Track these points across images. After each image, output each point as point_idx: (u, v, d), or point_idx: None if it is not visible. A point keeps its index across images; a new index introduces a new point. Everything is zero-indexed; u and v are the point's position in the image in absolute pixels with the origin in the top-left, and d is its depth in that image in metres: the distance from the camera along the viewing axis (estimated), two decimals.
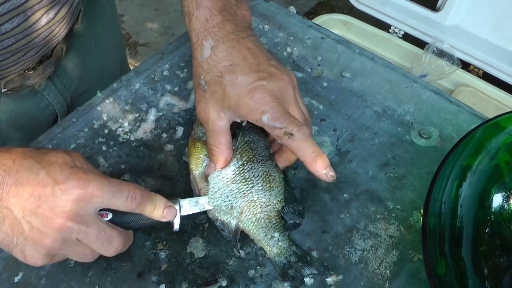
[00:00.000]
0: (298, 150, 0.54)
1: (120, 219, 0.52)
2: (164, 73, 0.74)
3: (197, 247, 0.57)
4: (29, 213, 0.46)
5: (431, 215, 0.52)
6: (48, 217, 0.46)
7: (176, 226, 0.55)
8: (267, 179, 0.58)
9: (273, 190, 0.58)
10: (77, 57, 0.82)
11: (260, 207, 0.57)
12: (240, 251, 0.57)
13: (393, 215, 0.61)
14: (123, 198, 0.49)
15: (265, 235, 0.56)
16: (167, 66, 0.75)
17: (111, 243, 0.50)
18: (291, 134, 0.52)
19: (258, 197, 0.57)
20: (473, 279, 0.53)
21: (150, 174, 0.63)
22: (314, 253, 0.57)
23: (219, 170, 0.58)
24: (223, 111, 0.56)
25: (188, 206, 0.57)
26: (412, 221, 0.60)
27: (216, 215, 0.58)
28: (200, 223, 0.59)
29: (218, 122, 0.56)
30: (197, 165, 0.60)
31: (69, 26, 0.75)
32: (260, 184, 0.58)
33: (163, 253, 0.57)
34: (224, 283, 0.55)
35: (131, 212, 0.51)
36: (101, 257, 0.52)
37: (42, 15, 0.65)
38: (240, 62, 0.55)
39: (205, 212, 0.59)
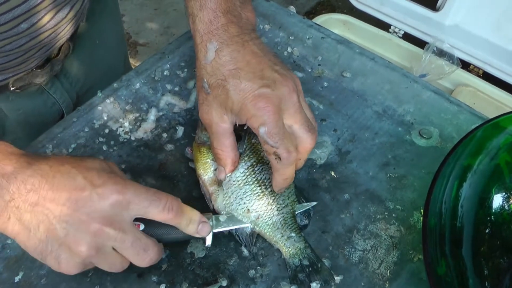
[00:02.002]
0: (276, 170, 0.55)
1: (152, 231, 0.51)
2: (165, 73, 0.74)
3: (198, 247, 0.57)
4: (65, 218, 0.46)
5: (431, 215, 0.52)
6: (84, 221, 0.46)
7: (208, 242, 0.54)
8: None
9: (285, 190, 0.58)
10: (82, 55, 0.83)
11: (277, 210, 0.57)
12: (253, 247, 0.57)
13: (393, 215, 0.61)
14: (160, 207, 0.49)
15: (282, 236, 0.56)
16: (167, 66, 0.75)
17: (146, 252, 0.49)
18: (279, 158, 0.53)
19: (274, 199, 0.57)
20: (474, 279, 0.53)
21: (150, 174, 0.63)
22: (325, 261, 0.57)
23: (229, 174, 0.58)
24: (226, 114, 0.55)
25: (222, 223, 0.56)
26: (412, 221, 0.60)
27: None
28: None
29: (221, 125, 0.56)
30: (205, 170, 0.60)
31: (77, 24, 0.76)
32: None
33: (163, 253, 0.57)
34: (224, 283, 0.55)
35: (164, 224, 0.51)
36: None
37: (55, 13, 0.66)
38: (244, 67, 0.55)
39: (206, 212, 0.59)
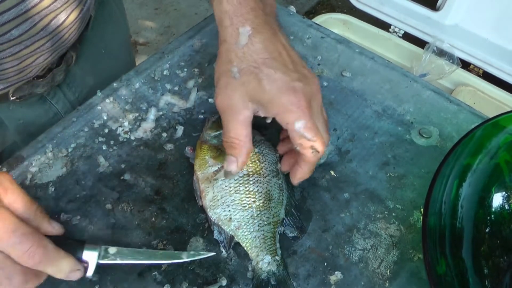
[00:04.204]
0: (308, 163, 0.55)
1: None
2: (164, 73, 0.74)
3: (198, 247, 0.57)
4: None
5: (431, 214, 0.52)
6: None
7: (89, 273, 0.51)
8: (269, 197, 0.58)
9: (271, 210, 0.58)
10: (87, 65, 0.81)
11: (258, 225, 0.56)
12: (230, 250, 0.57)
13: (393, 214, 0.61)
14: (21, 251, 0.46)
15: (257, 256, 0.55)
16: (167, 65, 0.75)
17: (10, 281, 0.47)
18: (317, 150, 0.53)
19: (258, 214, 0.57)
20: (473, 279, 0.53)
21: (150, 174, 0.63)
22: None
23: (223, 178, 0.57)
24: (252, 102, 0.53)
25: (110, 255, 0.53)
26: (412, 220, 0.60)
27: (215, 220, 0.57)
28: (200, 223, 0.59)
29: (244, 112, 0.54)
30: (201, 167, 0.60)
31: (79, 32, 0.74)
32: (262, 201, 0.57)
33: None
34: (224, 283, 0.55)
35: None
36: None
37: (51, 20, 0.64)
38: (277, 57, 0.54)
39: (204, 212, 0.59)
